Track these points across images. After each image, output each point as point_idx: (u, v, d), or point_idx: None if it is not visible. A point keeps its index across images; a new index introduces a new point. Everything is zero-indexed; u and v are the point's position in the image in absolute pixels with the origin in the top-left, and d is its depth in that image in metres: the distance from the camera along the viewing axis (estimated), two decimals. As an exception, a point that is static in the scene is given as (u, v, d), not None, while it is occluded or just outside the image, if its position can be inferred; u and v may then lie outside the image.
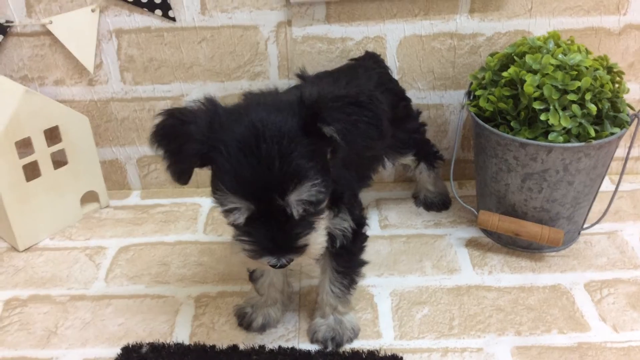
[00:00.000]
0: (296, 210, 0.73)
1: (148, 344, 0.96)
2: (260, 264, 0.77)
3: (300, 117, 0.73)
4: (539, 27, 1.24)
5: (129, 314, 1.05)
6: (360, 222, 0.94)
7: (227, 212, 0.74)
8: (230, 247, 0.81)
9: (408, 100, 1.21)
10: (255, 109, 0.75)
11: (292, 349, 0.94)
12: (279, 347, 0.95)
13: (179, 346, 0.96)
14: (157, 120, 0.77)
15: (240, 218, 0.73)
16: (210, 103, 0.77)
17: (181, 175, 0.77)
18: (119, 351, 0.96)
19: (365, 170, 1.05)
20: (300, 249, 0.75)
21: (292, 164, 0.71)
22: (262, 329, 1.00)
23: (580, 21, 1.24)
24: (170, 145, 0.76)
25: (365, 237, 0.98)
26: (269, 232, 0.74)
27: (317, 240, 0.77)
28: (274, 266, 0.75)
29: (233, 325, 1.02)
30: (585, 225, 1.16)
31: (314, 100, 0.73)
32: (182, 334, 1.00)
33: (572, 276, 1.10)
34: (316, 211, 0.76)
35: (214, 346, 0.95)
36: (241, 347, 0.95)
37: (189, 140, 0.73)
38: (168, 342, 0.97)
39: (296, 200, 0.72)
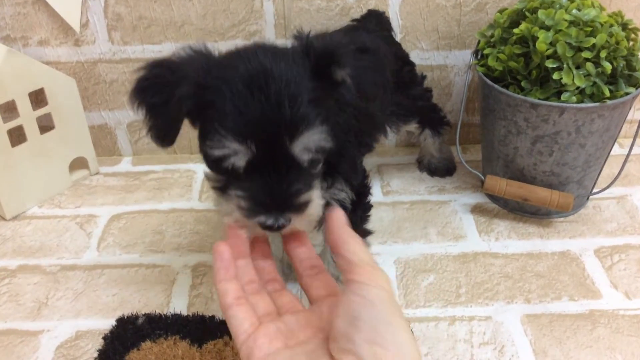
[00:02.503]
0: (303, 157, 0.64)
1: (144, 315, 0.92)
2: (254, 227, 0.65)
3: (309, 61, 0.66)
4: (549, -18, 1.18)
5: (123, 284, 1.01)
6: (362, 192, 0.89)
7: (224, 159, 0.63)
8: (218, 210, 0.70)
9: (412, 64, 1.15)
10: (258, 52, 0.67)
11: (295, 319, 0.90)
12: (281, 317, 0.91)
13: (177, 317, 0.92)
14: (140, 73, 0.67)
15: (239, 162, 0.62)
16: (203, 48, 0.68)
17: (168, 131, 0.66)
18: (113, 322, 0.91)
19: (364, 136, 1.00)
20: (301, 207, 0.64)
21: (302, 106, 0.63)
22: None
23: (592, -24, 1.18)
24: (155, 99, 0.66)
25: (369, 207, 0.93)
26: (267, 186, 0.63)
27: (317, 200, 0.67)
28: (270, 227, 0.64)
29: (232, 295, 0.98)
30: (595, 190, 1.12)
31: (325, 44, 0.67)
32: (179, 305, 0.96)
33: (582, 242, 1.07)
34: (317, 164, 0.68)
35: (213, 317, 0.92)
36: (241, 317, 0.91)
37: (180, 84, 0.63)
38: (165, 312, 0.93)
39: (304, 145, 0.63)
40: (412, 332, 0.53)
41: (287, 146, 0.62)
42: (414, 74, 1.16)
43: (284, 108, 0.62)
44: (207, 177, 0.69)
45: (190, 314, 0.93)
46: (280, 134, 0.62)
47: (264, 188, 0.63)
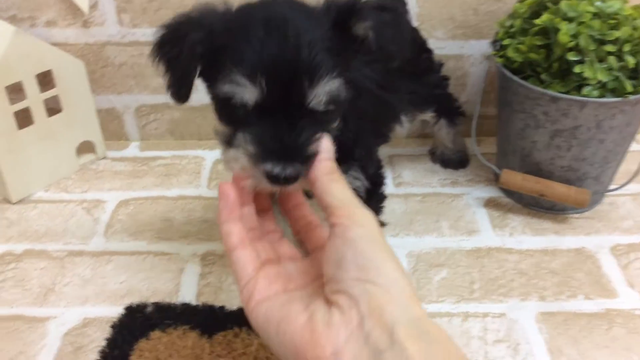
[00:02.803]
0: (318, 104, 0.61)
1: (153, 303, 0.91)
2: (260, 179, 0.60)
3: (330, 15, 0.65)
4: (570, -28, 1.15)
5: (131, 272, 0.99)
6: (376, 181, 0.88)
7: (232, 97, 0.60)
8: (223, 160, 0.65)
9: (430, 51, 1.13)
10: (277, 2, 0.66)
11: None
12: (292, 309, 0.90)
13: (186, 306, 0.90)
14: (160, 30, 0.68)
15: (247, 98, 0.60)
16: (222, 2, 0.67)
17: (182, 82, 0.66)
18: (122, 310, 0.90)
19: (380, 126, 0.98)
20: (310, 158, 0.60)
21: (320, 53, 0.60)
22: (272, 290, 0.94)
23: (614, -33, 1.15)
24: (172, 51, 0.65)
25: (383, 197, 0.92)
26: (278, 133, 0.60)
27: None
28: (276, 178, 0.59)
29: (241, 285, 0.96)
30: (612, 187, 1.10)
31: None
32: (188, 294, 0.94)
33: (597, 239, 1.05)
34: (331, 118, 0.65)
35: (222, 307, 0.90)
36: (252, 308, 0.90)
37: (196, 30, 0.63)
38: (174, 301, 0.92)
39: (320, 91, 0.60)
40: (401, 264, 0.53)
41: (302, 90, 0.59)
42: (432, 61, 1.14)
43: (302, 51, 0.60)
44: (215, 132, 0.67)
45: (200, 304, 0.91)
46: (295, 76, 0.59)
47: (274, 134, 0.60)
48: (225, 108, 0.64)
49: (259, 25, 0.61)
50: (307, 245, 0.65)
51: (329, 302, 0.52)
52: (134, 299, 0.93)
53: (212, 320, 0.88)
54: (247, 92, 0.59)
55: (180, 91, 0.67)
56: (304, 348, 0.50)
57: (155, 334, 0.85)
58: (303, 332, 0.51)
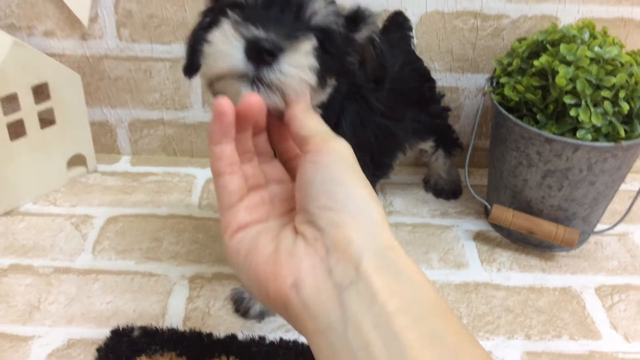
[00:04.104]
0: (317, 8, 0.63)
1: (140, 327, 0.90)
2: (237, 53, 0.57)
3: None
4: (567, 13, 1.17)
5: (117, 292, 0.98)
6: None
7: None
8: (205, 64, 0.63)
9: (433, 81, 1.14)
10: None
11: (295, 342, 0.89)
12: (280, 339, 0.89)
13: (173, 332, 0.89)
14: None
15: None
16: None
17: (192, 55, 0.71)
18: (107, 333, 0.89)
19: (384, 157, 0.98)
20: (295, 39, 0.58)
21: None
22: (260, 316, 0.94)
23: (610, 10, 1.17)
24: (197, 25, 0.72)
25: None
26: (268, 15, 0.60)
27: (310, 53, 0.60)
28: (260, 46, 0.56)
29: (230, 310, 0.96)
30: (602, 228, 1.11)
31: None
32: (175, 318, 0.94)
33: (583, 279, 1.06)
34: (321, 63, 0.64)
35: (210, 334, 0.89)
36: (240, 336, 0.90)
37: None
38: (160, 325, 0.91)
39: (320, 6, 0.63)
40: (373, 190, 0.50)
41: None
42: (435, 91, 1.15)
43: None
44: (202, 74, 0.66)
45: (187, 330, 0.90)
46: None
47: (263, 15, 0.60)
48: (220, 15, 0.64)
49: None
50: (292, 174, 0.61)
51: (296, 232, 0.50)
52: (120, 321, 0.92)
53: (199, 347, 0.87)
54: None
55: (189, 65, 0.72)
56: (266, 279, 0.48)
57: (142, 359, 0.84)
58: (267, 263, 0.49)
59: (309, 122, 0.54)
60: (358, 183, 0.49)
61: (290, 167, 0.61)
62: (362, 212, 0.47)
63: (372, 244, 0.46)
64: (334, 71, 0.69)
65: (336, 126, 0.72)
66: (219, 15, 0.61)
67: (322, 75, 0.63)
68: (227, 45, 0.57)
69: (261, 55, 0.56)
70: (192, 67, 0.73)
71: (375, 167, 0.93)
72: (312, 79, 0.59)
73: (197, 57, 0.66)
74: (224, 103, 0.51)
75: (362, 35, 0.69)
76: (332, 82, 0.69)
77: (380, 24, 1.15)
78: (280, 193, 0.57)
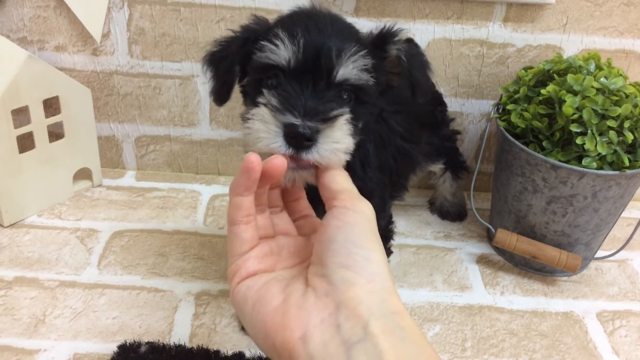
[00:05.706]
0: (346, 75, 0.66)
1: (147, 343, 0.90)
2: (276, 135, 0.60)
3: (370, 35, 0.73)
4: (570, 44, 1.20)
5: (123, 307, 0.98)
6: (386, 235, 0.89)
7: (270, 58, 0.66)
8: (244, 129, 0.66)
9: (445, 105, 1.17)
10: (320, 11, 0.73)
11: (302, 361, 0.89)
12: (288, 358, 0.89)
13: (181, 348, 0.89)
14: (213, 44, 0.77)
15: (285, 56, 0.65)
16: (261, 18, 0.76)
17: (222, 87, 0.73)
18: (115, 348, 0.89)
19: (400, 178, 0.99)
20: (330, 120, 0.62)
21: (355, 41, 0.68)
22: (267, 336, 0.94)
23: (612, 42, 1.20)
24: (222, 53, 0.75)
25: (389, 252, 0.93)
26: (303, 93, 0.63)
27: (345, 126, 0.64)
28: (296, 132, 0.59)
29: (236, 328, 0.96)
30: (602, 254, 1.13)
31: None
32: (181, 334, 0.94)
33: (584, 304, 1.08)
34: (349, 101, 0.69)
35: (218, 351, 0.89)
36: (247, 354, 0.90)
37: (242, 32, 0.73)
38: (168, 341, 0.91)
39: (349, 63, 0.66)
40: (386, 258, 0.53)
41: (331, 58, 0.64)
42: (446, 114, 1.17)
43: (337, 35, 0.67)
44: (242, 117, 0.70)
45: (195, 346, 0.90)
46: (327, 46, 0.65)
47: (299, 95, 0.63)
48: (257, 83, 0.67)
49: (301, 19, 0.68)
50: (301, 231, 0.64)
51: (307, 284, 0.51)
52: (127, 336, 0.92)
53: (207, 364, 0.87)
54: (283, 50, 0.64)
55: (222, 90, 0.73)
56: (274, 329, 0.49)
57: (149, 375, 0.84)
58: (275, 313, 0.50)
59: (340, 179, 0.58)
60: (376, 247, 0.52)
61: (297, 226, 0.64)
62: (377, 276, 0.50)
63: (381, 308, 0.48)
64: (368, 114, 0.73)
65: (359, 147, 0.73)
66: (257, 81, 0.67)
67: (356, 124, 0.68)
68: (267, 134, 0.61)
69: (300, 141, 0.60)
70: (223, 98, 0.75)
71: (393, 189, 0.95)
72: (349, 144, 0.63)
73: (228, 89, 0.72)
74: (255, 160, 0.54)
75: (391, 54, 0.72)
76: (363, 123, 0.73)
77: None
78: (288, 246, 0.60)
